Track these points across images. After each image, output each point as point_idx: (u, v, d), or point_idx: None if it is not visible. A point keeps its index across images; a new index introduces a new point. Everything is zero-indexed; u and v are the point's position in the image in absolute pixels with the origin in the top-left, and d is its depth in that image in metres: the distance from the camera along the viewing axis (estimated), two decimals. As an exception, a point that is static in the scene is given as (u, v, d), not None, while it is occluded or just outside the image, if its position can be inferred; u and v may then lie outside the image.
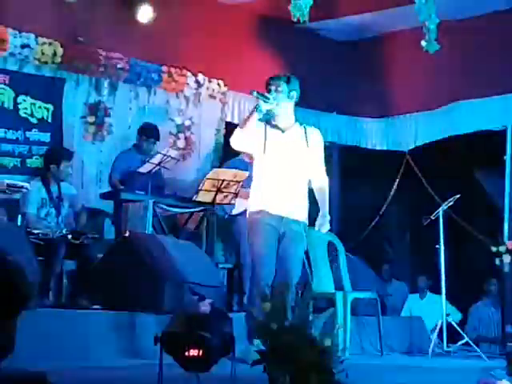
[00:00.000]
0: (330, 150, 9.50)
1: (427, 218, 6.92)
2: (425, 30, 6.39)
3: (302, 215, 5.03)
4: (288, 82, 4.99)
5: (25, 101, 6.91)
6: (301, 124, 5.11)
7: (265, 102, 4.81)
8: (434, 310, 7.78)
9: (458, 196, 6.86)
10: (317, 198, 5.10)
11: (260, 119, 4.94)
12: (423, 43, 6.43)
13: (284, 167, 4.97)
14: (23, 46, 6.76)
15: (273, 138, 5.00)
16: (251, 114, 4.87)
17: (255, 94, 4.86)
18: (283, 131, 5.02)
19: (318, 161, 5.09)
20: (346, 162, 9.36)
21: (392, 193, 9.11)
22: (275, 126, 5.03)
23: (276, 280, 4.77)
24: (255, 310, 4.29)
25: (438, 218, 6.89)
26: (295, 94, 5.02)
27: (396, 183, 9.06)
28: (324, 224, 5.00)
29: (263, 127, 5.00)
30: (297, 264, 5.00)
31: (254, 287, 4.81)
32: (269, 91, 4.94)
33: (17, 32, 6.71)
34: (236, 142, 4.93)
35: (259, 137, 4.97)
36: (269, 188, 4.98)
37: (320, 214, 5.03)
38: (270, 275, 4.83)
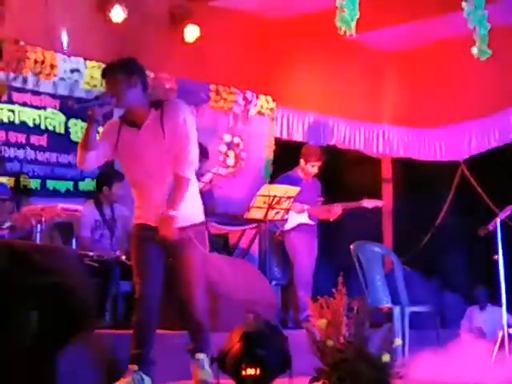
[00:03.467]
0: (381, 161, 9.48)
1: (484, 228, 6.76)
2: (475, 37, 6.27)
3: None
4: (124, 70, 4.26)
5: (75, 125, 7.00)
6: (157, 107, 4.30)
7: (99, 105, 4.16)
8: (494, 321, 7.59)
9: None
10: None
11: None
12: (474, 50, 6.31)
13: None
14: (72, 71, 6.84)
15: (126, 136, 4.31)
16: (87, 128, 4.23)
17: (76, 106, 4.61)
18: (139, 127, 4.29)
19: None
20: (398, 174, 9.25)
21: (447, 204, 8.95)
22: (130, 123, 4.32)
23: None
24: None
25: (495, 229, 6.72)
26: (137, 79, 4.28)
27: (451, 194, 8.91)
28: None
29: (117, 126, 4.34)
30: None
31: None
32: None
33: (66, 57, 6.80)
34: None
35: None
36: None
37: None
38: None
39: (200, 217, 4.45)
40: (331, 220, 7.11)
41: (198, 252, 4.36)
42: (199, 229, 4.42)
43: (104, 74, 4.37)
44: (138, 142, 4.29)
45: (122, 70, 4.27)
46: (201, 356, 4.24)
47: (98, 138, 4.40)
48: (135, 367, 4.26)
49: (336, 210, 7.05)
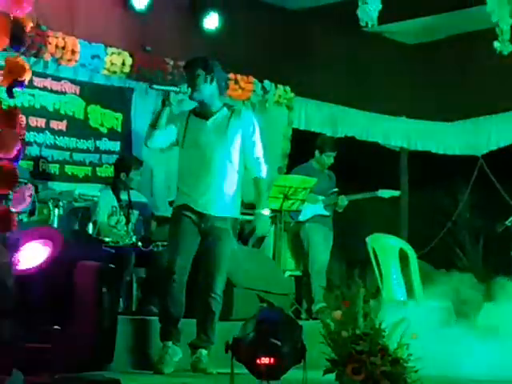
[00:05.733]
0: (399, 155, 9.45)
1: (502, 224, 6.74)
2: (498, 31, 6.24)
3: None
4: (205, 66, 4.72)
5: (95, 110, 7.02)
6: (229, 108, 4.84)
7: (175, 92, 4.70)
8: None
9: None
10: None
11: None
12: (496, 44, 6.27)
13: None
14: (93, 57, 6.85)
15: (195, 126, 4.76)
16: (160, 110, 4.73)
17: (152, 87, 5.08)
18: (207, 118, 4.76)
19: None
20: (416, 167, 9.22)
21: (465, 198, 8.92)
22: (199, 114, 4.79)
23: None
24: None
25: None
26: (213, 77, 4.73)
27: (469, 188, 8.87)
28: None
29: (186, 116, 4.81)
30: None
31: None
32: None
33: (87, 43, 6.81)
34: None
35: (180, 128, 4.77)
36: None
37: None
38: None
39: (238, 213, 4.86)
40: (339, 211, 7.10)
41: (230, 243, 4.77)
42: (235, 224, 4.85)
43: (185, 67, 4.86)
44: (203, 131, 4.72)
45: (202, 66, 4.71)
46: (202, 352, 4.61)
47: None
48: (169, 343, 4.63)
49: (340, 200, 7.04)
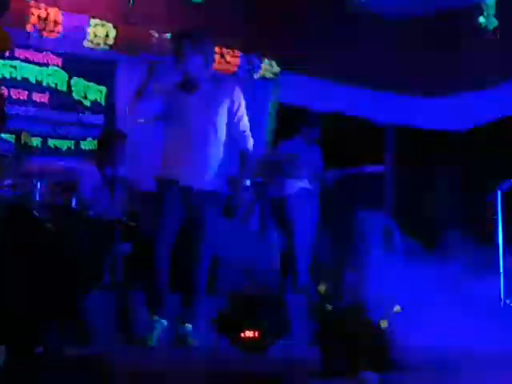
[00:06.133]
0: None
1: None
2: (483, 6, 6.22)
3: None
4: (192, 37, 4.67)
5: (78, 83, 6.94)
6: (215, 80, 4.84)
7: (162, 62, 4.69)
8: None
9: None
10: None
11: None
12: (481, 19, 6.26)
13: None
14: (76, 28, 6.77)
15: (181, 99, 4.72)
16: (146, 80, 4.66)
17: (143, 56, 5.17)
18: (193, 91, 4.72)
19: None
20: (401, 143, 9.22)
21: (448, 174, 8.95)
22: (185, 86, 4.74)
23: None
24: None
25: (495, 200, 6.71)
26: (200, 48, 4.69)
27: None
28: None
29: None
30: None
31: None
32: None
33: (70, 14, 6.72)
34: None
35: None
36: None
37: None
38: None
39: (224, 187, 4.80)
40: (327, 187, 7.11)
41: (216, 217, 4.74)
42: (221, 197, 4.76)
43: (173, 37, 4.92)
44: (188, 104, 4.65)
45: (189, 37, 4.65)
46: (188, 326, 4.59)
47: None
48: (155, 317, 4.63)
49: (327, 176, 7.05)
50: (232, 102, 4.74)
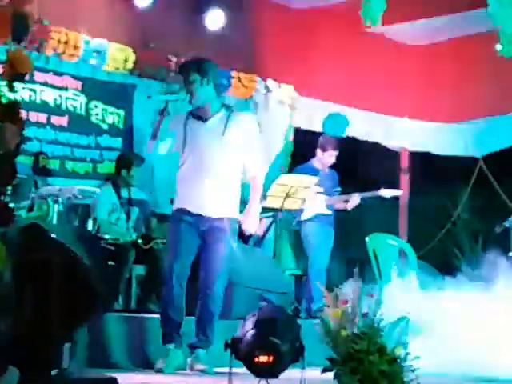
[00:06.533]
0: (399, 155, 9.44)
1: (501, 225, 6.74)
2: (500, 35, 6.22)
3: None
4: (199, 69, 4.66)
5: (96, 106, 7.02)
6: (227, 108, 4.79)
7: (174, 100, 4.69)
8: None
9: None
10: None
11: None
12: (498, 47, 6.27)
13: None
14: (95, 52, 6.85)
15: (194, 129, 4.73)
16: (159, 121, 4.69)
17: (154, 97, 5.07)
18: (205, 120, 4.72)
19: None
20: (416, 168, 9.21)
21: (464, 199, 8.91)
22: (197, 116, 4.75)
23: None
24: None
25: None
26: (210, 79, 4.69)
27: (469, 189, 8.87)
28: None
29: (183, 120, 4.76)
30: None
31: None
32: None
33: (89, 38, 6.80)
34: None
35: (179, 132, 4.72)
36: None
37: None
38: None
39: (237, 214, 4.78)
40: (349, 209, 7.11)
41: (229, 244, 4.72)
42: (234, 224, 4.75)
43: (180, 71, 4.83)
44: (201, 134, 4.68)
45: (196, 70, 4.66)
46: (201, 352, 4.61)
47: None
48: (171, 346, 4.62)
49: (354, 199, 7.05)
50: (244, 130, 4.74)
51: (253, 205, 4.76)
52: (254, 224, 4.79)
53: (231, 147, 4.69)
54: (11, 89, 3.79)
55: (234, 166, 4.73)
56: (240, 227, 5.45)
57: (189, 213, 4.68)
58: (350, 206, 7.08)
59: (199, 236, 4.70)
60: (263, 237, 7.28)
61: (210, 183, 4.65)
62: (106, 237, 5.98)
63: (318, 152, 7.19)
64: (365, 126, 8.88)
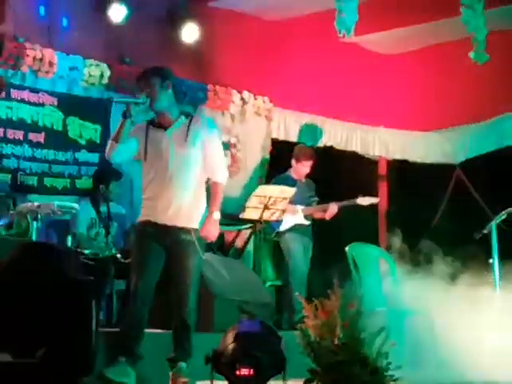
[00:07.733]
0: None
1: (480, 232, 6.78)
2: (473, 42, 6.30)
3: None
4: (159, 74, 4.69)
5: (73, 122, 7.00)
6: (187, 115, 4.76)
7: (135, 103, 4.62)
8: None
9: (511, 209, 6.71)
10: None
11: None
12: (472, 54, 6.33)
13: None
14: (71, 69, 6.85)
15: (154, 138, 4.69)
16: (121, 123, 4.64)
17: (113, 100, 5.06)
18: (166, 128, 4.71)
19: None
20: (394, 176, 9.26)
21: (442, 207, 8.97)
22: (158, 124, 4.73)
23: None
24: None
25: (490, 232, 6.74)
26: (170, 84, 4.70)
27: (446, 197, 8.93)
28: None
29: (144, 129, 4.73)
30: None
31: None
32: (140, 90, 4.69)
33: (65, 54, 6.80)
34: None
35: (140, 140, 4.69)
36: None
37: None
38: None
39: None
40: (327, 219, 7.13)
41: (197, 255, 4.63)
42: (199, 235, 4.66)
43: (139, 78, 4.76)
44: (163, 142, 4.65)
45: (156, 74, 4.69)
46: (182, 365, 4.53)
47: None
48: (122, 358, 4.48)
49: (332, 208, 7.08)
50: (205, 135, 4.69)
51: (213, 212, 4.66)
52: (213, 232, 4.67)
53: (194, 154, 4.66)
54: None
55: (198, 174, 4.69)
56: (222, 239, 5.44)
57: (155, 224, 4.63)
58: (328, 216, 7.11)
59: (165, 249, 4.64)
60: (243, 248, 7.29)
61: (176, 193, 4.60)
62: (86, 252, 5.95)
63: (293, 162, 7.24)
64: (341, 135, 8.94)
